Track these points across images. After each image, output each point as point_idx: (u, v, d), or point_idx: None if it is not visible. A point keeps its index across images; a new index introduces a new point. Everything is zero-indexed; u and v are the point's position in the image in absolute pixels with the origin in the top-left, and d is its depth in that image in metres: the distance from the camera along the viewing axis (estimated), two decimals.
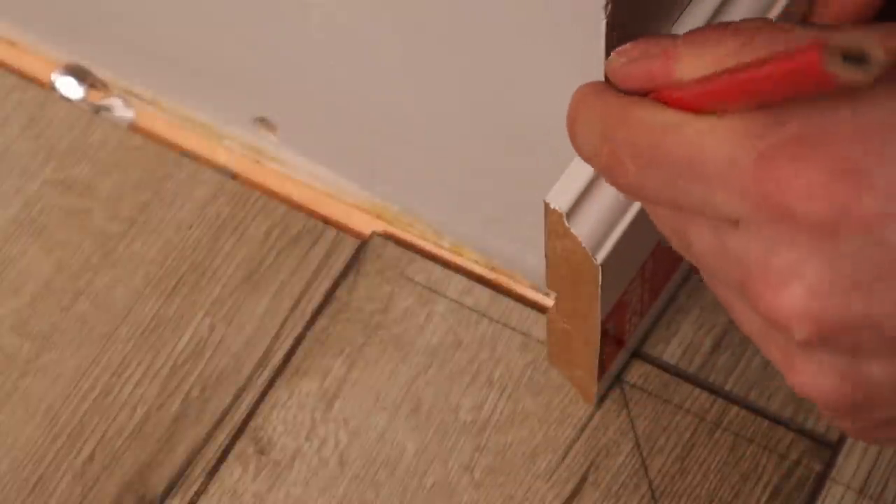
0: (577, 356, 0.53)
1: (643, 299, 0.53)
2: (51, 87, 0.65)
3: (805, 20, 0.45)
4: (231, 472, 0.55)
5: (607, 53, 0.42)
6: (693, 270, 0.56)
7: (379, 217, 0.61)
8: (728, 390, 0.55)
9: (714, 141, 0.34)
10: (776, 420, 0.55)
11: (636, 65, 0.38)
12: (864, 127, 0.32)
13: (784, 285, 0.33)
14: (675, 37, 0.37)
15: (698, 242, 0.36)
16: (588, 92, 0.38)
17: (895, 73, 0.30)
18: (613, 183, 0.38)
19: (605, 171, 0.38)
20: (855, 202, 0.31)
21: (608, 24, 0.41)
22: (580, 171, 0.45)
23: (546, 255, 0.47)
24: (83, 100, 0.65)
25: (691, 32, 0.37)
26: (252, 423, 0.56)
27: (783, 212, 0.32)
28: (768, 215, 0.33)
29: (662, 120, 0.35)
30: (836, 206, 0.31)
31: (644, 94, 0.37)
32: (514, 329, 0.57)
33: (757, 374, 0.55)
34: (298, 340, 0.58)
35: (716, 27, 0.36)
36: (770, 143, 0.33)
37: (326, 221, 0.61)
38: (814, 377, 0.35)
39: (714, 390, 0.55)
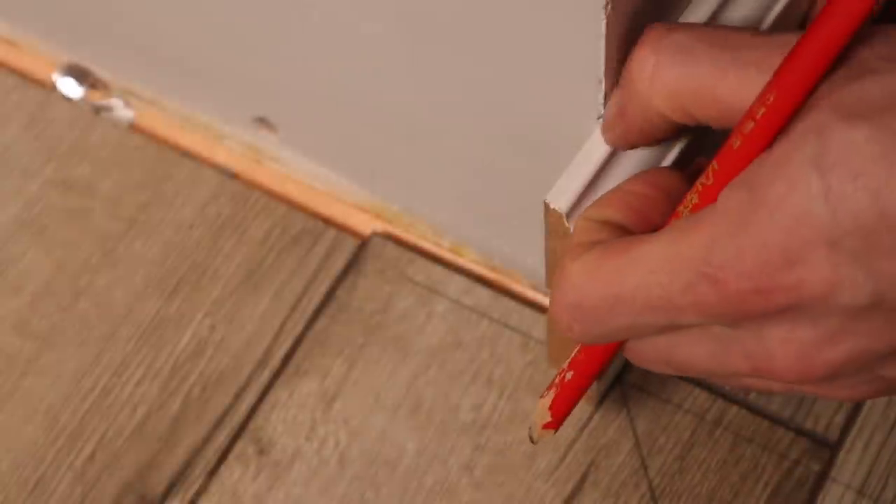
0: None
1: None
2: (51, 87, 0.65)
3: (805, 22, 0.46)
4: (231, 472, 0.55)
5: (607, 53, 0.42)
6: None
7: (379, 217, 0.61)
8: (728, 390, 0.55)
9: (664, 273, 0.37)
10: (776, 420, 0.55)
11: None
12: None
13: (790, 356, 0.36)
14: None
15: (692, 359, 0.39)
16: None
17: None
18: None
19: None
20: (787, 275, 0.34)
21: (608, 24, 0.41)
22: (580, 171, 0.45)
23: (546, 255, 0.47)
24: (83, 100, 0.65)
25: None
26: (252, 423, 0.56)
27: (743, 302, 0.35)
28: (735, 312, 0.36)
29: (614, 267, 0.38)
30: (791, 285, 0.34)
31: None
32: (514, 329, 0.57)
33: None
34: (298, 340, 0.58)
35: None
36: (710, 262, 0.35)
37: (326, 221, 0.61)
38: (846, 391, 0.37)
39: (714, 390, 0.55)
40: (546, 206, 0.44)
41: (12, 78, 0.66)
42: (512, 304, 0.58)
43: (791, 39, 0.37)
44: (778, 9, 0.48)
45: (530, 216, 0.49)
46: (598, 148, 0.45)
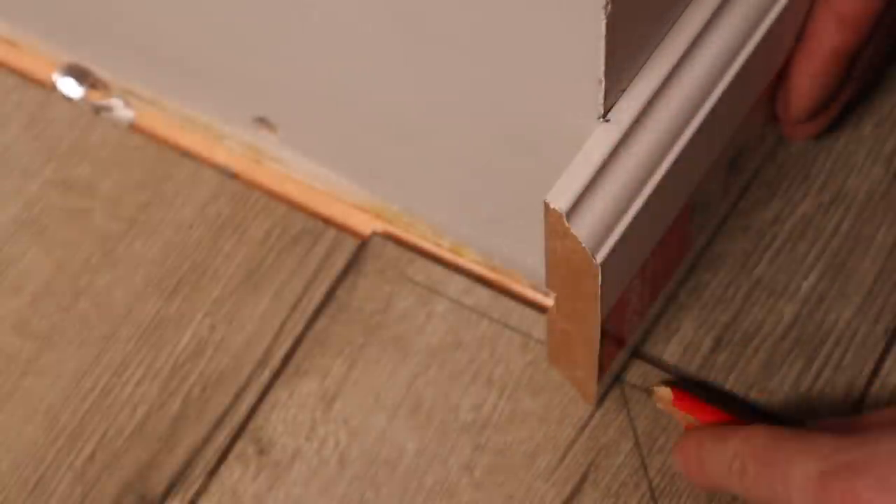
0: (577, 356, 0.53)
1: (643, 299, 0.53)
2: (51, 87, 0.65)
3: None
4: (231, 472, 0.55)
5: (607, 53, 0.42)
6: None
7: (379, 217, 0.61)
8: (728, 390, 0.55)
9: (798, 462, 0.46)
10: (776, 419, 0.55)
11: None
12: None
13: None
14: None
15: None
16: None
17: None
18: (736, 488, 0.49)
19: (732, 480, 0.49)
20: None
21: (608, 25, 0.41)
22: (580, 171, 0.45)
23: (546, 255, 0.47)
24: (83, 100, 0.65)
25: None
26: (252, 423, 0.56)
27: None
28: None
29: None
30: None
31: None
32: (514, 329, 0.57)
33: (757, 374, 0.55)
34: (298, 340, 0.58)
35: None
36: (830, 465, 0.44)
37: (326, 221, 0.61)
38: None
39: (714, 390, 0.55)
40: (546, 206, 0.44)
41: (12, 78, 0.66)
42: (512, 304, 0.58)
43: None
44: (777, 10, 0.48)
45: (530, 216, 0.49)
46: (598, 148, 0.45)
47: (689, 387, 0.54)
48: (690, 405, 0.52)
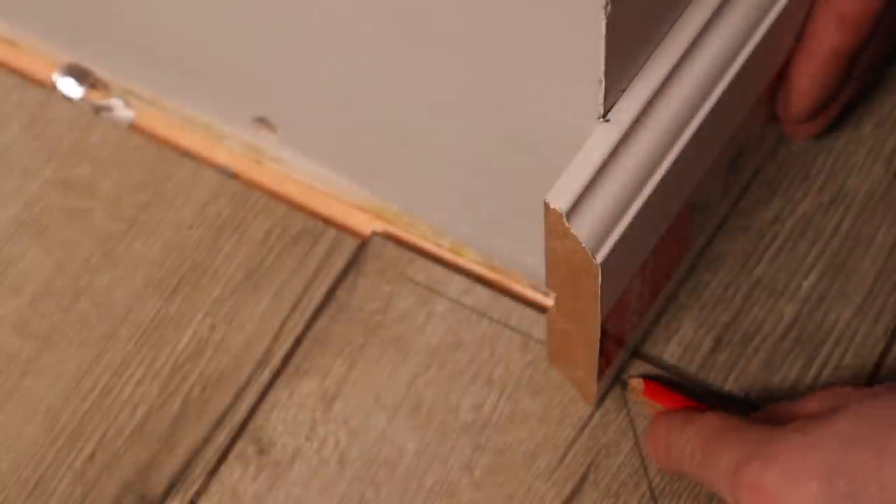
0: (577, 356, 0.53)
1: (643, 299, 0.53)
2: (51, 87, 0.65)
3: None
4: (231, 472, 0.55)
5: (607, 53, 0.42)
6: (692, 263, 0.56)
7: (379, 217, 0.61)
8: (728, 390, 0.55)
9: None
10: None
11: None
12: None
13: None
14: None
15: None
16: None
17: (812, 422, 0.45)
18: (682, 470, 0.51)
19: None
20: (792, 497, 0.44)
21: (608, 25, 0.41)
22: (580, 171, 0.45)
23: (546, 255, 0.47)
24: (83, 100, 0.65)
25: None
26: (252, 423, 0.56)
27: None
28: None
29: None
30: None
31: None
32: (514, 329, 0.57)
33: (757, 374, 0.55)
34: (298, 340, 0.58)
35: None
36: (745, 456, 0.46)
37: (326, 221, 0.61)
38: None
39: (714, 390, 0.55)
40: (546, 206, 0.44)
41: (12, 78, 0.66)
42: (512, 304, 0.58)
43: None
44: (777, 10, 0.48)
45: (530, 216, 0.49)
46: (598, 148, 0.45)
47: (664, 380, 0.55)
48: (661, 395, 0.53)
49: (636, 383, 0.54)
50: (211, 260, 0.60)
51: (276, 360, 0.58)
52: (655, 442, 0.52)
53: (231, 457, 0.56)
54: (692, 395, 0.54)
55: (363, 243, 0.60)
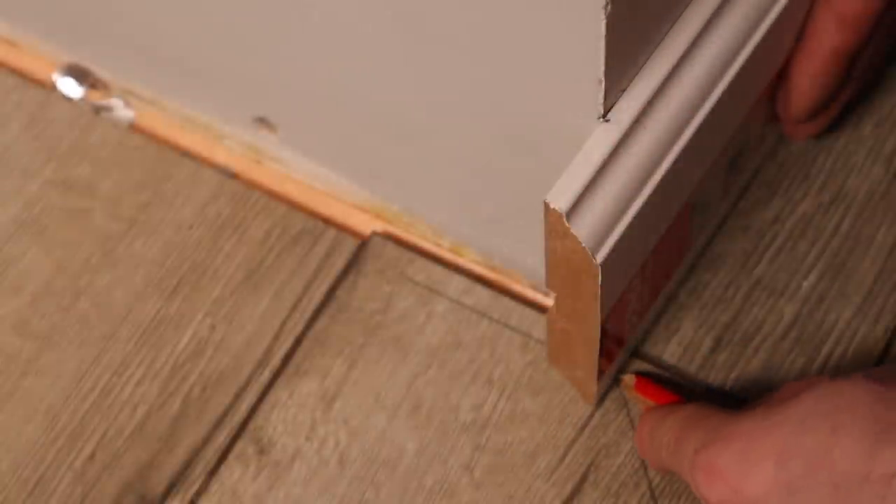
0: (577, 356, 0.53)
1: (643, 299, 0.53)
2: (51, 87, 0.65)
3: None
4: (231, 472, 0.55)
5: (607, 53, 0.42)
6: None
7: (379, 217, 0.61)
8: (728, 390, 0.55)
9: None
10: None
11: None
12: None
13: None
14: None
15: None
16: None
17: (775, 405, 0.45)
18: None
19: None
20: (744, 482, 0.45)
21: (608, 25, 0.41)
22: (580, 171, 0.45)
23: (546, 255, 0.47)
24: (83, 100, 0.65)
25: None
26: (252, 423, 0.56)
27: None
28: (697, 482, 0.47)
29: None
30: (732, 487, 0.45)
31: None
32: (514, 329, 0.57)
33: (757, 374, 0.55)
34: (298, 340, 0.58)
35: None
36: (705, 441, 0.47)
37: (326, 221, 0.61)
38: None
39: (714, 390, 0.55)
40: (546, 206, 0.44)
41: (12, 78, 0.66)
42: (512, 304, 0.58)
43: None
44: (777, 10, 0.48)
45: (530, 216, 0.49)
46: (598, 148, 0.45)
47: (656, 377, 0.55)
48: (651, 391, 0.54)
49: (628, 379, 0.54)
50: (211, 260, 0.60)
51: (276, 360, 0.58)
52: (641, 437, 0.52)
53: (231, 457, 0.56)
54: (690, 394, 0.54)
55: (363, 243, 0.60)
